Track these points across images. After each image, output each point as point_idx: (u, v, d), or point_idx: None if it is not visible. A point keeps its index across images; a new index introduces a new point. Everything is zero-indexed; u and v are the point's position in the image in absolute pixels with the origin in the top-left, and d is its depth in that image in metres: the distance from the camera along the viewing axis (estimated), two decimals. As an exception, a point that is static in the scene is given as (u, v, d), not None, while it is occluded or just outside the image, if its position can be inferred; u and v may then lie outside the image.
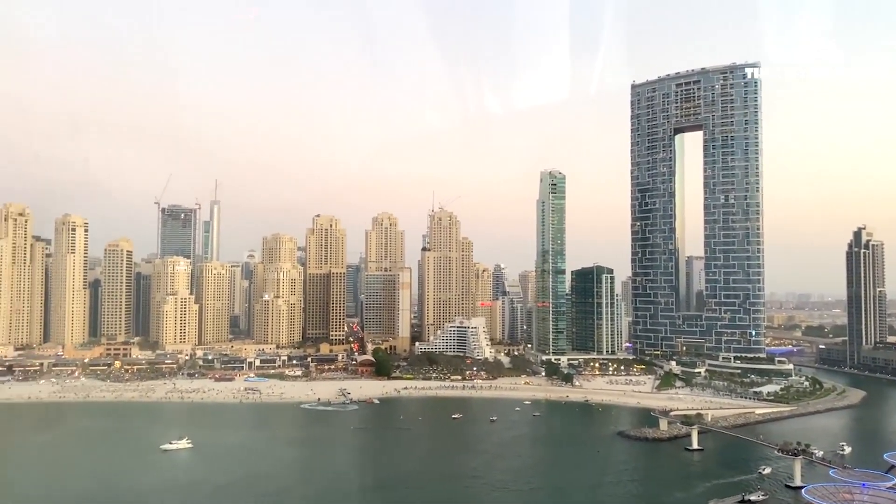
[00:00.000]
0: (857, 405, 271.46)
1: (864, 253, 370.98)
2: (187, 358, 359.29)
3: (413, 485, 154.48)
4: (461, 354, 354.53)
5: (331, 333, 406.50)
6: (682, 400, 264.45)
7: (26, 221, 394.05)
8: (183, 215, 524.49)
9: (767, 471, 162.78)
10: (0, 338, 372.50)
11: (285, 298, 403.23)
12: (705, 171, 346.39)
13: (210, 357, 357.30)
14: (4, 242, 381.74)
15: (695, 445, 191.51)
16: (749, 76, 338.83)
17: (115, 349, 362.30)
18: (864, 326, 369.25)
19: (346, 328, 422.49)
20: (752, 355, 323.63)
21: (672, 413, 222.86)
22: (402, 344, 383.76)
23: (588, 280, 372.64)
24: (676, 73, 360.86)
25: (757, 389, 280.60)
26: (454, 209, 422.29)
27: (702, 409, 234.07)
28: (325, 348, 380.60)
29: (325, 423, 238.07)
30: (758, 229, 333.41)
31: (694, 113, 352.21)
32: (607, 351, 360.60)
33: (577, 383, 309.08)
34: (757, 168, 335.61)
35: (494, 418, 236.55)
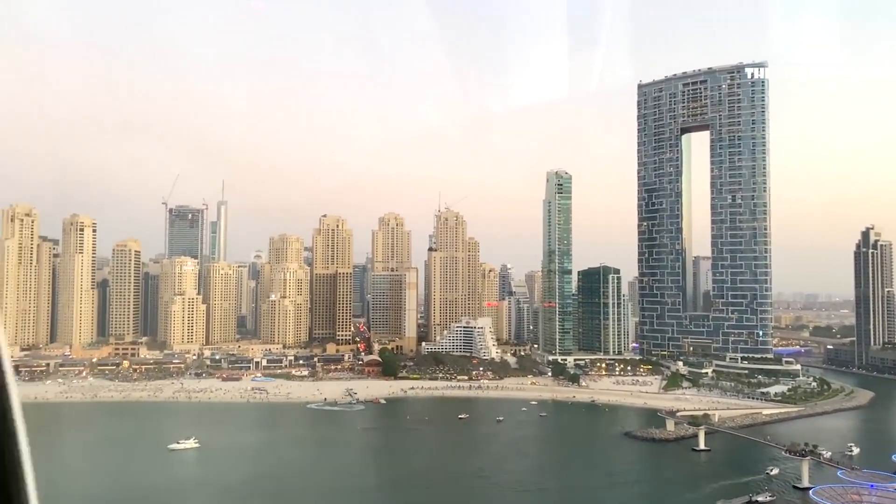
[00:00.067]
0: (865, 406, 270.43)
1: (873, 253, 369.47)
2: (195, 358, 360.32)
3: (420, 485, 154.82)
4: (467, 354, 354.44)
5: (337, 333, 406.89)
6: (688, 400, 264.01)
7: (33, 222, 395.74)
8: (190, 216, 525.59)
9: (775, 472, 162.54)
10: (6, 338, 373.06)
11: (292, 298, 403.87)
12: (712, 171, 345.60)
13: (217, 357, 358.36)
14: (11, 243, 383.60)
15: (702, 446, 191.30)
16: (756, 76, 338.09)
17: (122, 349, 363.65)
18: (872, 327, 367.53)
19: (352, 328, 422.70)
20: (759, 356, 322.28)
21: (679, 413, 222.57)
22: (409, 344, 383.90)
23: (595, 280, 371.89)
24: (683, 73, 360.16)
25: (764, 390, 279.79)
26: (460, 209, 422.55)
27: (709, 410, 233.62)
28: (331, 348, 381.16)
29: (332, 423, 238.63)
30: (765, 229, 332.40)
31: (701, 113, 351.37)
32: (614, 351, 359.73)
33: (583, 384, 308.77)
34: (764, 168, 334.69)
35: (501, 418, 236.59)
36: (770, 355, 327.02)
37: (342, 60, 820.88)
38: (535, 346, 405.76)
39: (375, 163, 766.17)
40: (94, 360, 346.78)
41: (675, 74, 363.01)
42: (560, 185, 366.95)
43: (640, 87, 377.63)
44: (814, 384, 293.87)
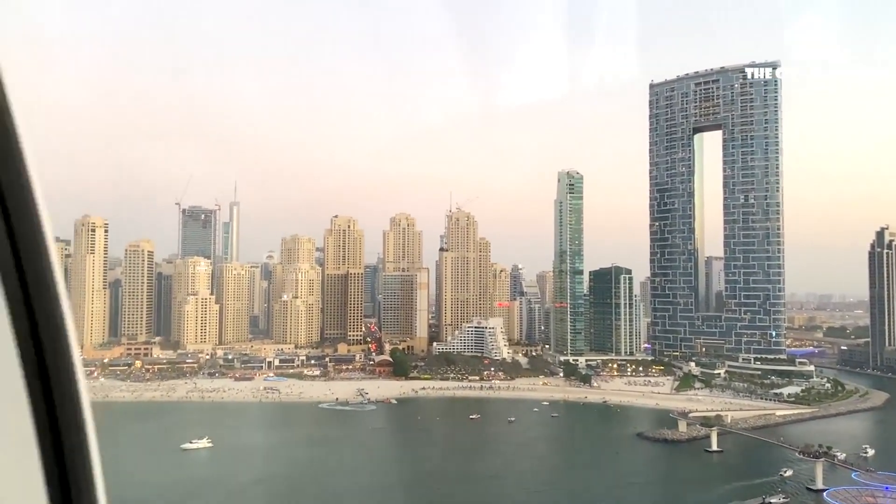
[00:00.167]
0: (879, 407, 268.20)
1: (888, 253, 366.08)
2: (208, 357, 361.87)
3: (432, 485, 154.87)
4: (479, 355, 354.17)
5: (348, 333, 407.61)
6: (701, 401, 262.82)
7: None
8: (203, 216, 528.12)
9: (789, 473, 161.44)
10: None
11: (304, 299, 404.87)
12: (725, 170, 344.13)
13: (230, 357, 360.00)
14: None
15: (714, 447, 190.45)
16: (768, 75, 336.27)
17: (135, 349, 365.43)
18: (887, 328, 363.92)
19: (363, 328, 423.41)
20: (772, 356, 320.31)
21: (691, 414, 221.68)
22: (420, 344, 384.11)
23: (606, 281, 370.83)
24: (695, 73, 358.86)
25: (777, 391, 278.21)
26: (471, 209, 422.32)
27: (721, 411, 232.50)
28: (342, 348, 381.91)
29: (344, 422, 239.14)
30: (778, 229, 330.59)
31: (713, 112, 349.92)
32: (625, 352, 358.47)
33: (595, 384, 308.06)
34: (777, 167, 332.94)
35: (513, 419, 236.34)
36: (783, 356, 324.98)
37: (350, 61, 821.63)
38: (547, 346, 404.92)
39: (385, 163, 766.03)
40: (106, 360, 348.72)
41: (686, 74, 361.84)
42: (571, 186, 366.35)
43: (651, 86, 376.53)
44: (828, 385, 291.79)
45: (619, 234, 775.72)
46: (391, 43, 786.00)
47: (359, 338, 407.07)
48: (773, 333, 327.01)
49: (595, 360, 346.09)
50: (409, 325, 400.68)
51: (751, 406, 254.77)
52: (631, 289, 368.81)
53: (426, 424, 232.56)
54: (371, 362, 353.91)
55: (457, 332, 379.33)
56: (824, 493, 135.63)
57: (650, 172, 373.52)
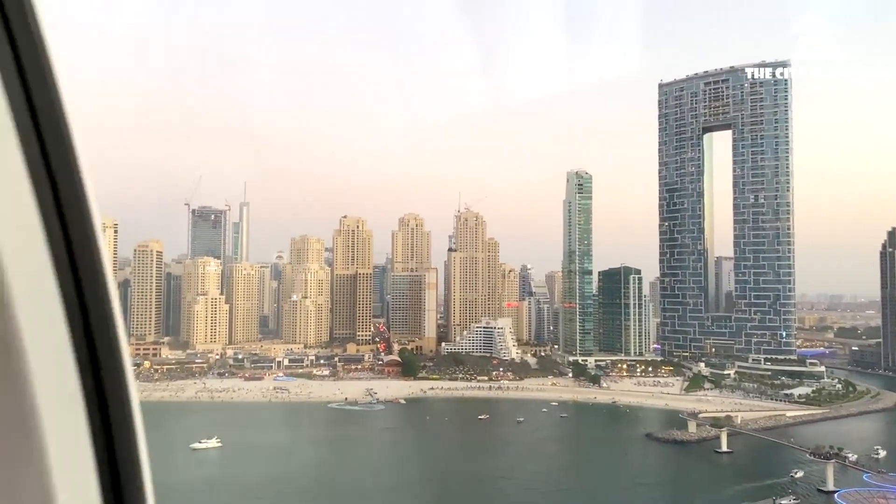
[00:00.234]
0: (891, 408, 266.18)
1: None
2: (217, 357, 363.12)
3: (440, 485, 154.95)
4: (487, 355, 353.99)
5: (357, 333, 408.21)
6: (710, 402, 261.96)
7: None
8: (213, 216, 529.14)
9: (799, 474, 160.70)
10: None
11: (313, 299, 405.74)
12: (734, 170, 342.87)
13: (240, 356, 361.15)
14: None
15: (724, 448, 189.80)
16: (778, 75, 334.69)
17: (144, 349, 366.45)
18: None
19: (372, 328, 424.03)
20: (782, 357, 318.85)
21: (701, 415, 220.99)
22: (429, 344, 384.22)
23: (615, 281, 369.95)
24: (705, 72, 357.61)
25: (788, 392, 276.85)
26: (480, 210, 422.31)
27: (731, 412, 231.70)
28: (351, 348, 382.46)
29: (353, 422, 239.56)
30: (788, 229, 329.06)
31: (723, 112, 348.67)
32: (635, 352, 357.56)
33: (604, 384, 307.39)
34: (787, 167, 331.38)
35: (521, 419, 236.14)
36: (793, 356, 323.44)
37: (358, 62, 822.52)
38: (556, 346, 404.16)
39: (394, 163, 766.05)
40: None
41: (696, 73, 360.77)
42: (580, 185, 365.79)
43: (661, 86, 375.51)
44: (838, 386, 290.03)
45: (629, 234, 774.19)
46: (399, 42, 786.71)
47: (368, 338, 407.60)
48: (784, 334, 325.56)
49: (604, 360, 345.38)
50: (417, 325, 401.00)
51: (761, 407, 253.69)
52: (640, 289, 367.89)
53: (435, 424, 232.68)
54: (380, 362, 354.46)
55: (465, 332, 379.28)
56: (835, 495, 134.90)
57: (659, 172, 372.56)
